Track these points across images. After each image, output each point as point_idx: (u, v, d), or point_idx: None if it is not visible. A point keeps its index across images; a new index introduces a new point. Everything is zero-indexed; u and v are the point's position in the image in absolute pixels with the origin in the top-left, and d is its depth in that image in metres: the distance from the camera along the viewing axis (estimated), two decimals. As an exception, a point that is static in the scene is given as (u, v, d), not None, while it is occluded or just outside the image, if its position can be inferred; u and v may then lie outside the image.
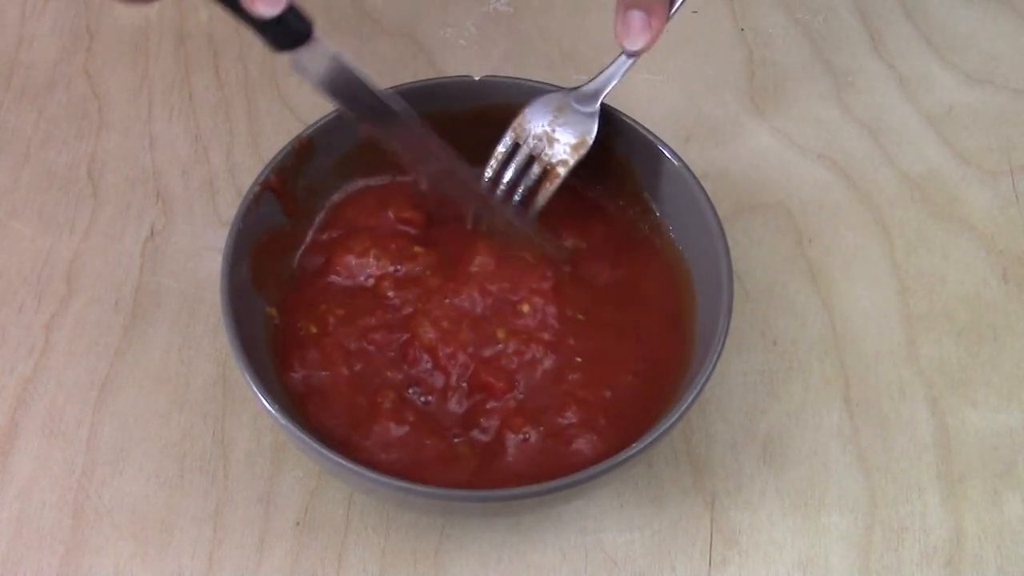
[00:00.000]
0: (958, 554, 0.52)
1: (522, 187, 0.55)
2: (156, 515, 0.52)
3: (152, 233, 0.61)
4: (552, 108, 0.55)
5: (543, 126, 0.55)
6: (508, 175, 0.55)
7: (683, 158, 0.54)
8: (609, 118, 0.56)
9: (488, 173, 0.55)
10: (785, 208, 0.63)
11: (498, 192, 0.55)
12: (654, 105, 0.67)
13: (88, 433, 0.54)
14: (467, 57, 0.69)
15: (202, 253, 0.60)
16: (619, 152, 0.56)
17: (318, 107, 0.54)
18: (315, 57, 0.48)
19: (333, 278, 0.54)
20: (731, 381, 0.57)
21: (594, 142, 0.54)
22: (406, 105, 0.52)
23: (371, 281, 0.54)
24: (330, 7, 0.71)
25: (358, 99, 0.50)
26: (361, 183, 0.57)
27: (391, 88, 0.55)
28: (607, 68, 0.54)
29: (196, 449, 0.54)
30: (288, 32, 0.47)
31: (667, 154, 0.54)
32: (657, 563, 0.52)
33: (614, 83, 0.54)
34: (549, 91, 0.55)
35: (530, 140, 0.54)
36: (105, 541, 0.52)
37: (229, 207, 0.61)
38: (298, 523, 0.52)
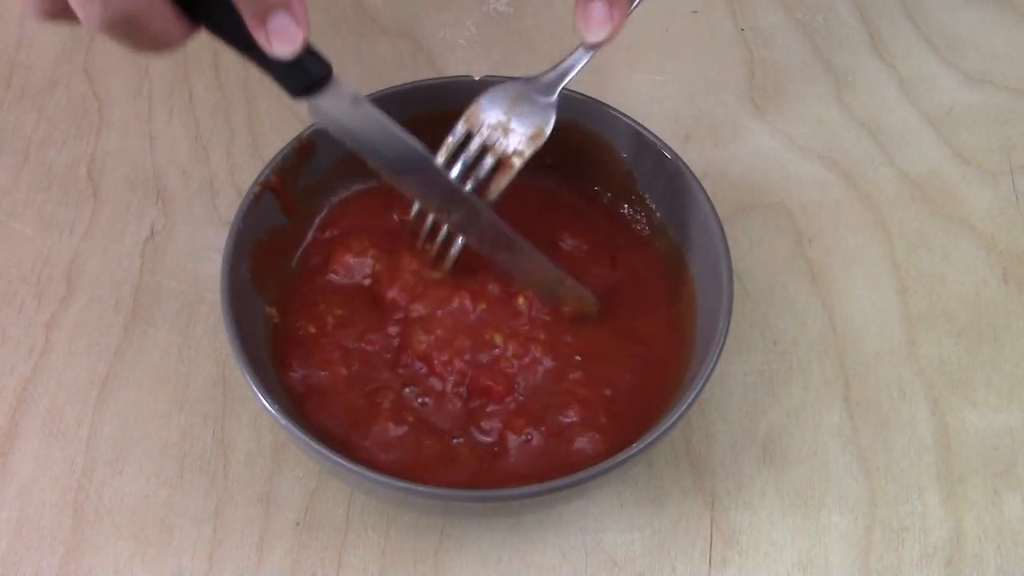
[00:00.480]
0: (958, 554, 0.52)
1: (473, 178, 0.52)
2: (156, 515, 0.52)
3: (152, 233, 0.61)
4: (508, 98, 0.53)
5: (498, 116, 0.53)
6: (458, 166, 0.52)
7: (683, 158, 0.54)
8: (609, 118, 0.56)
9: (441, 160, 0.53)
10: (785, 208, 0.63)
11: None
12: (654, 105, 0.67)
13: (88, 433, 0.54)
14: (467, 57, 0.69)
15: (202, 253, 0.60)
16: (619, 152, 0.56)
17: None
18: (335, 101, 0.46)
19: (332, 276, 0.54)
20: (731, 381, 0.57)
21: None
22: (426, 147, 0.50)
23: (368, 281, 0.54)
24: (330, 7, 0.71)
25: (380, 143, 0.48)
26: (361, 184, 0.57)
27: (391, 88, 0.55)
28: (566, 59, 0.53)
29: (196, 449, 0.54)
30: (306, 75, 0.45)
31: (667, 154, 0.54)
32: (657, 563, 0.52)
33: (573, 74, 0.52)
34: (505, 81, 0.53)
35: (484, 130, 0.52)
36: (105, 541, 0.52)
37: (229, 207, 0.61)
38: (298, 523, 0.52)
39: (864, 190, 0.64)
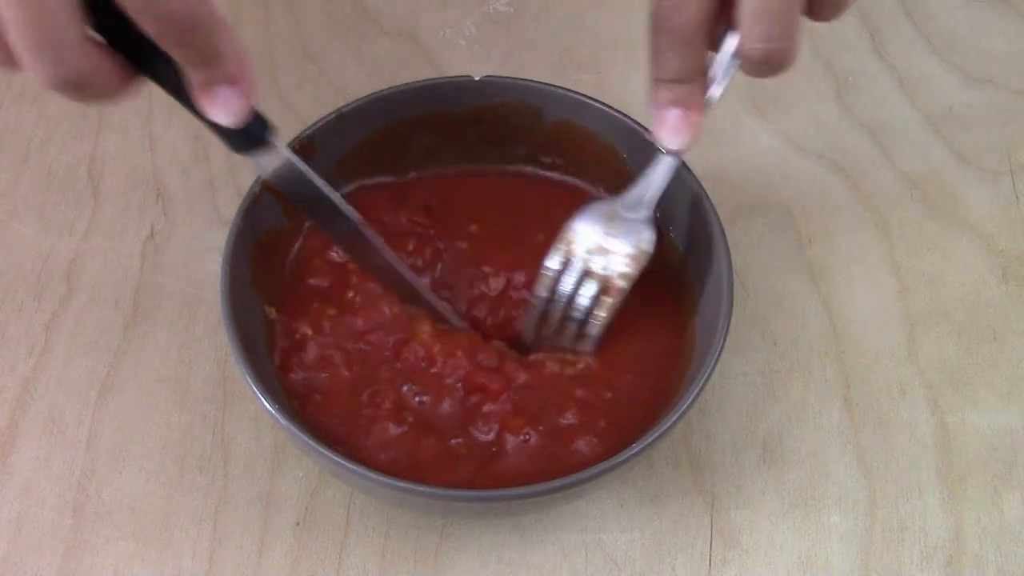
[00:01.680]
0: (958, 554, 0.52)
1: (580, 304, 0.51)
2: (156, 515, 0.52)
3: (152, 233, 0.61)
4: (601, 218, 0.51)
5: (595, 239, 0.51)
6: (562, 295, 0.51)
7: (683, 158, 0.54)
8: (609, 118, 0.56)
9: (541, 292, 0.51)
10: (785, 208, 0.63)
11: (555, 308, 0.51)
12: (654, 105, 0.67)
13: (88, 433, 0.54)
14: (467, 57, 0.69)
15: (202, 253, 0.60)
16: (620, 152, 0.56)
17: (318, 107, 0.54)
18: (272, 160, 0.47)
19: (333, 255, 0.54)
20: (731, 381, 0.57)
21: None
22: (356, 214, 0.50)
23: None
24: (330, 7, 0.71)
25: (312, 201, 0.49)
26: (361, 183, 0.57)
27: (391, 88, 0.55)
28: (649, 170, 0.51)
29: (196, 449, 0.54)
30: (245, 136, 0.45)
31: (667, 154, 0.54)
32: (657, 563, 0.52)
33: (658, 186, 0.51)
34: (592, 201, 0.52)
35: (581, 255, 0.51)
36: (105, 541, 0.52)
37: (229, 207, 0.61)
38: (298, 523, 0.52)
39: (864, 190, 0.64)
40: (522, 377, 0.51)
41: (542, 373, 0.52)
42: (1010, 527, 0.53)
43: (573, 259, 0.51)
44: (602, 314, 0.51)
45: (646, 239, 0.51)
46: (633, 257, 0.51)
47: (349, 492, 0.53)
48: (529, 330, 0.53)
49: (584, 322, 0.51)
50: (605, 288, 0.51)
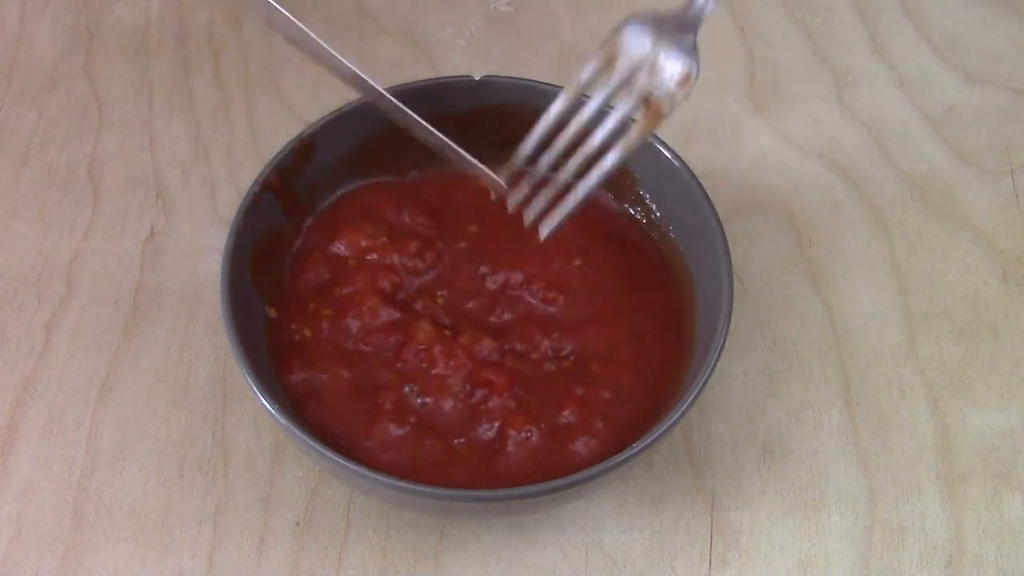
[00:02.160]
0: (958, 554, 0.52)
1: (609, 122, 0.45)
2: (156, 515, 0.52)
3: (152, 233, 0.61)
4: (652, 32, 0.45)
5: (644, 49, 0.44)
6: (594, 102, 0.45)
7: (683, 158, 0.54)
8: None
9: (561, 101, 0.46)
10: (785, 208, 0.63)
11: (575, 124, 0.46)
12: (654, 105, 0.67)
13: (88, 433, 0.54)
14: (467, 57, 0.69)
15: (202, 253, 0.60)
16: (619, 152, 0.56)
17: (318, 107, 0.54)
18: None
19: (336, 248, 0.54)
20: (731, 381, 0.57)
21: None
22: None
23: (375, 256, 0.54)
24: (330, 7, 0.71)
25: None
26: (361, 183, 0.57)
27: (391, 88, 0.55)
28: None
29: (196, 449, 0.54)
30: None
31: (667, 154, 0.54)
32: (657, 563, 0.52)
33: (712, 9, 0.45)
34: (641, 15, 0.45)
35: (627, 64, 0.44)
36: (105, 541, 0.52)
37: (229, 207, 0.61)
38: (298, 523, 0.52)
39: (864, 190, 0.64)
40: (524, 371, 0.51)
41: (543, 370, 0.52)
42: (1010, 527, 0.53)
43: (616, 68, 0.45)
44: (634, 137, 0.45)
45: (694, 66, 0.45)
46: (680, 82, 0.45)
47: (349, 492, 0.53)
48: (525, 150, 0.48)
49: (603, 150, 0.46)
50: (647, 107, 0.45)
